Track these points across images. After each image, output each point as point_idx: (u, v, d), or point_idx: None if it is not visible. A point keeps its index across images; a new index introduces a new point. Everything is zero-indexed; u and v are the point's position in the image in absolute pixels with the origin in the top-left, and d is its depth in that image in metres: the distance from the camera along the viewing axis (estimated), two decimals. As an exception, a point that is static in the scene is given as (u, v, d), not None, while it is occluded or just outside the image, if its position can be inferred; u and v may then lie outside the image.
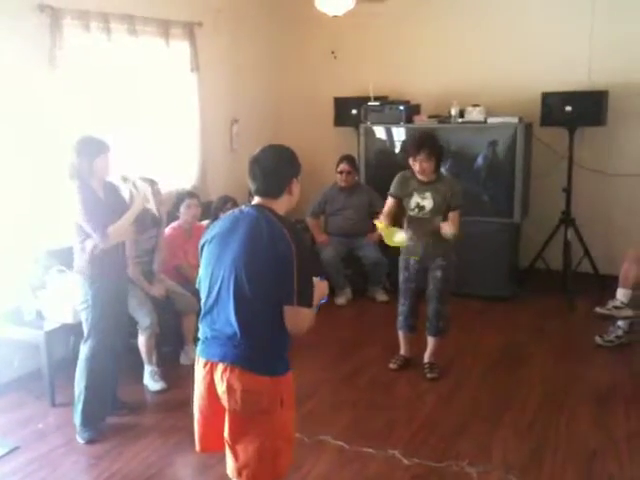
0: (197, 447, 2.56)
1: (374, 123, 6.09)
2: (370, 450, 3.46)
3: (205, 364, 2.40)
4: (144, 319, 4.23)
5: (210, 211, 5.20)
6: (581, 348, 4.80)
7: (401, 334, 4.50)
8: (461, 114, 5.75)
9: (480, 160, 5.75)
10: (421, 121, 5.96)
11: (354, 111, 6.27)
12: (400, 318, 4.43)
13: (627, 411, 3.83)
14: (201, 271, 2.47)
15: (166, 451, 3.62)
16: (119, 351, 3.84)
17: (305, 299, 2.30)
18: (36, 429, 3.83)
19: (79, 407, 3.68)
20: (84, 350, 3.68)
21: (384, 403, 4.04)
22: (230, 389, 2.32)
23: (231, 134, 6.45)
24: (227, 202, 5.13)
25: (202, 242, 2.48)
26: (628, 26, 5.57)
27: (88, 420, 3.68)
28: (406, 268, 4.29)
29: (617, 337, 4.75)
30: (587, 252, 5.81)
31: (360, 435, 3.63)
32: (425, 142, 4.02)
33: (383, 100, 6.20)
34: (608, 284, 5.16)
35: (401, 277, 4.34)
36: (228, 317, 2.33)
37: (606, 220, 6.02)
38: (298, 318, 2.31)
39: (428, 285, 4.26)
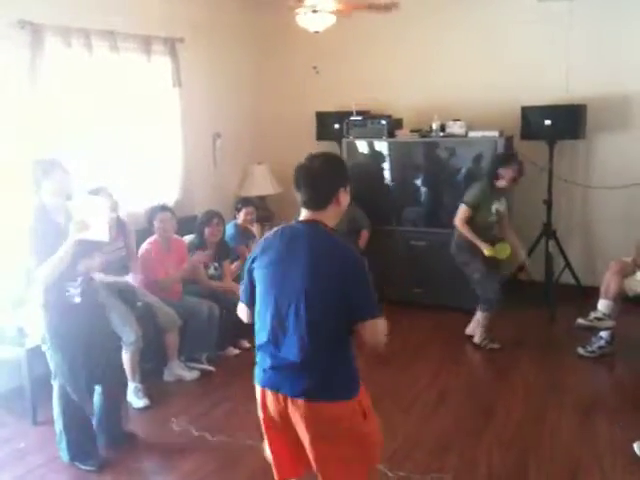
0: (276, 477, 2.46)
1: (356, 137, 6.12)
2: (355, 464, 3.45)
3: (274, 395, 2.31)
4: (128, 335, 4.18)
5: (195, 226, 5.19)
6: (563, 359, 4.83)
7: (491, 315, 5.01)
8: (442, 128, 5.80)
9: (461, 173, 5.80)
10: (403, 135, 6.01)
11: (336, 125, 6.31)
12: (495, 296, 4.89)
13: (610, 421, 3.85)
14: (258, 297, 2.35)
15: (149, 470, 3.59)
16: (100, 381, 3.66)
17: (379, 309, 2.23)
18: (17, 448, 3.78)
19: (63, 445, 3.56)
20: (54, 388, 3.53)
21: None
22: (309, 421, 2.25)
23: (214, 149, 6.46)
24: (213, 217, 5.12)
25: (251, 264, 2.37)
26: (604, 41, 5.67)
27: (77, 455, 3.54)
28: (482, 256, 4.81)
29: (599, 348, 4.78)
30: (568, 263, 5.87)
31: (345, 450, 3.61)
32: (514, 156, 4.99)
33: (365, 114, 6.24)
34: (590, 295, 5.21)
35: (478, 262, 4.83)
36: (297, 344, 2.22)
37: (587, 232, 6.09)
38: (379, 330, 2.24)
39: None
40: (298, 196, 2.35)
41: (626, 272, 4.67)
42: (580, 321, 4.73)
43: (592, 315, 4.68)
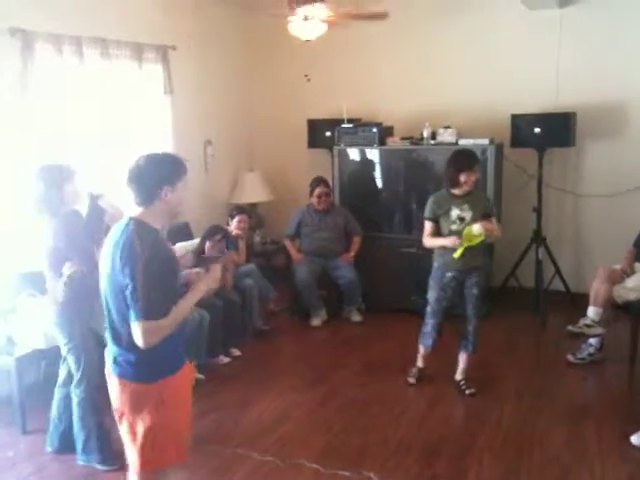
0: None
1: (347, 145, 6.13)
2: (346, 473, 3.45)
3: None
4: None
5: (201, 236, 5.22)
6: (553, 366, 4.85)
7: (423, 349, 4.52)
8: (433, 136, 5.82)
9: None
10: (394, 143, 6.03)
11: (328, 133, 6.32)
12: (428, 336, 4.42)
13: (599, 428, 3.87)
14: None
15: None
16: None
17: (146, 312, 2.26)
18: (5, 457, 3.75)
19: (94, 445, 3.55)
20: (78, 393, 3.53)
21: (359, 426, 4.03)
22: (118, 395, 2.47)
23: (205, 156, 6.46)
24: (216, 233, 5.11)
25: None
26: (593, 49, 5.72)
27: (108, 454, 3.53)
28: (441, 288, 4.29)
29: (589, 355, 4.80)
30: (558, 270, 5.90)
31: (335, 458, 3.61)
32: (476, 157, 4.33)
33: (356, 122, 6.26)
34: (579, 302, 5.24)
35: (434, 295, 4.32)
36: (110, 336, 2.44)
37: (576, 239, 6.12)
38: (138, 334, 2.29)
39: (466, 303, 4.31)
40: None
41: (615, 280, 4.70)
42: (569, 328, 4.76)
43: (581, 322, 4.71)
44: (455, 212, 4.19)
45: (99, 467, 3.58)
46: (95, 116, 5.00)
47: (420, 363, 4.59)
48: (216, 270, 2.64)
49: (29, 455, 3.78)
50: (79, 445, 3.61)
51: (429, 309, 4.38)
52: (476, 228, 4.05)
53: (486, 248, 4.65)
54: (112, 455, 3.56)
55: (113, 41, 5.04)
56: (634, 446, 3.60)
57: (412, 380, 4.55)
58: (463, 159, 4.25)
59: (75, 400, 3.56)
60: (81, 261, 3.39)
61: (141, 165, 2.41)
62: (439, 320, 4.35)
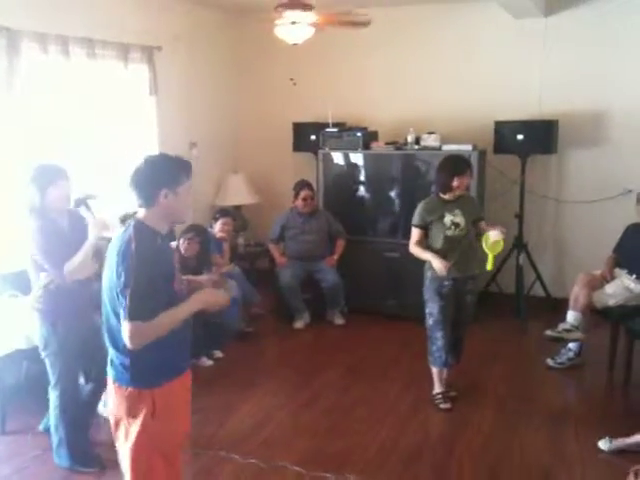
0: None
1: (332, 149, 6.16)
2: (328, 475, 3.47)
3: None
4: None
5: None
6: (533, 370, 4.90)
7: (436, 371, 4.33)
8: (417, 141, 5.87)
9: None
10: (378, 147, 6.06)
11: (313, 137, 6.34)
12: (439, 353, 4.22)
13: (577, 432, 3.93)
14: None
15: None
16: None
17: (133, 312, 2.22)
18: (-15, 458, 3.73)
19: (63, 451, 3.54)
20: (53, 398, 3.52)
21: (341, 429, 4.04)
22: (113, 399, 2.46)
23: (190, 158, 6.41)
24: (188, 232, 5.05)
25: None
26: (577, 58, 5.81)
27: (80, 460, 3.52)
28: (442, 297, 4.14)
29: (568, 359, 4.86)
30: (539, 276, 5.97)
31: (318, 461, 3.63)
32: (468, 162, 4.29)
33: (341, 126, 6.29)
34: (559, 307, 5.30)
35: (437, 306, 4.16)
36: (107, 338, 2.41)
37: (557, 245, 6.20)
38: (127, 335, 2.24)
39: (458, 311, 4.21)
40: None
41: (595, 285, 4.77)
42: (548, 332, 4.81)
43: (560, 327, 4.77)
44: (448, 218, 4.12)
45: (81, 469, 3.55)
46: (81, 115, 4.98)
47: (438, 388, 4.34)
48: (219, 294, 2.59)
49: (9, 456, 3.75)
50: (53, 445, 3.60)
51: (432, 322, 4.20)
52: (493, 234, 3.97)
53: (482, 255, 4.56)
54: (86, 459, 3.56)
55: (99, 41, 5.02)
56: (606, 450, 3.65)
57: (446, 405, 4.27)
58: (456, 163, 4.21)
59: (51, 405, 3.54)
60: (54, 272, 3.31)
61: (140, 166, 2.38)
62: (447, 331, 4.16)
